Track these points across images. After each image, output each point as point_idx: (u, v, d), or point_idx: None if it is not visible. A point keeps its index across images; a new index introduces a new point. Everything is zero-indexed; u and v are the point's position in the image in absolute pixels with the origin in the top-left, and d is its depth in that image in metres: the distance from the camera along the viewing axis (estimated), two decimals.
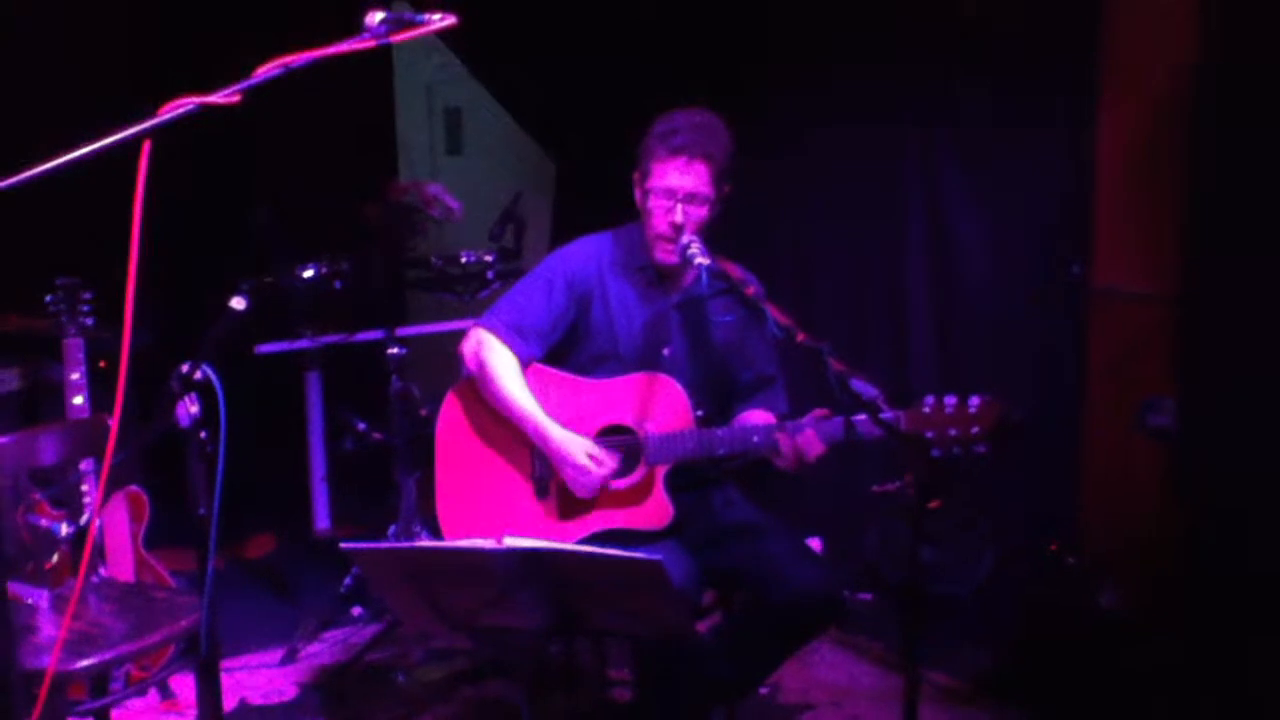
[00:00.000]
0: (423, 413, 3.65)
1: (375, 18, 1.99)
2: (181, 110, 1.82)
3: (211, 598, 2.18)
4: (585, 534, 2.67)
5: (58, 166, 1.70)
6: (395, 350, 3.73)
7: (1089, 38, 3.49)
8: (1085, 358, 3.66)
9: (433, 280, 3.94)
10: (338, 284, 3.54)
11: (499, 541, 2.11)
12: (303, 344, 4.00)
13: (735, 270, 2.66)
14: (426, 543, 2.49)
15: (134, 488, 3.26)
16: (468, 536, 2.66)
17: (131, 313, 1.78)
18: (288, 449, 4.51)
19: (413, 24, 1.98)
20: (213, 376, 2.01)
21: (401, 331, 3.83)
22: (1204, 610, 3.07)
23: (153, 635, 2.55)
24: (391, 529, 3.81)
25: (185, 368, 2.01)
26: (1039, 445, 3.56)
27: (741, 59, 4.31)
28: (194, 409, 2.00)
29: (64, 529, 2.71)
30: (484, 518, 2.71)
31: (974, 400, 2.50)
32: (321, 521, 4.46)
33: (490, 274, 3.89)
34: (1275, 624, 2.83)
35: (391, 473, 3.84)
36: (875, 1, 3.91)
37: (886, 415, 2.43)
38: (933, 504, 4.02)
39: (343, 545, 2.17)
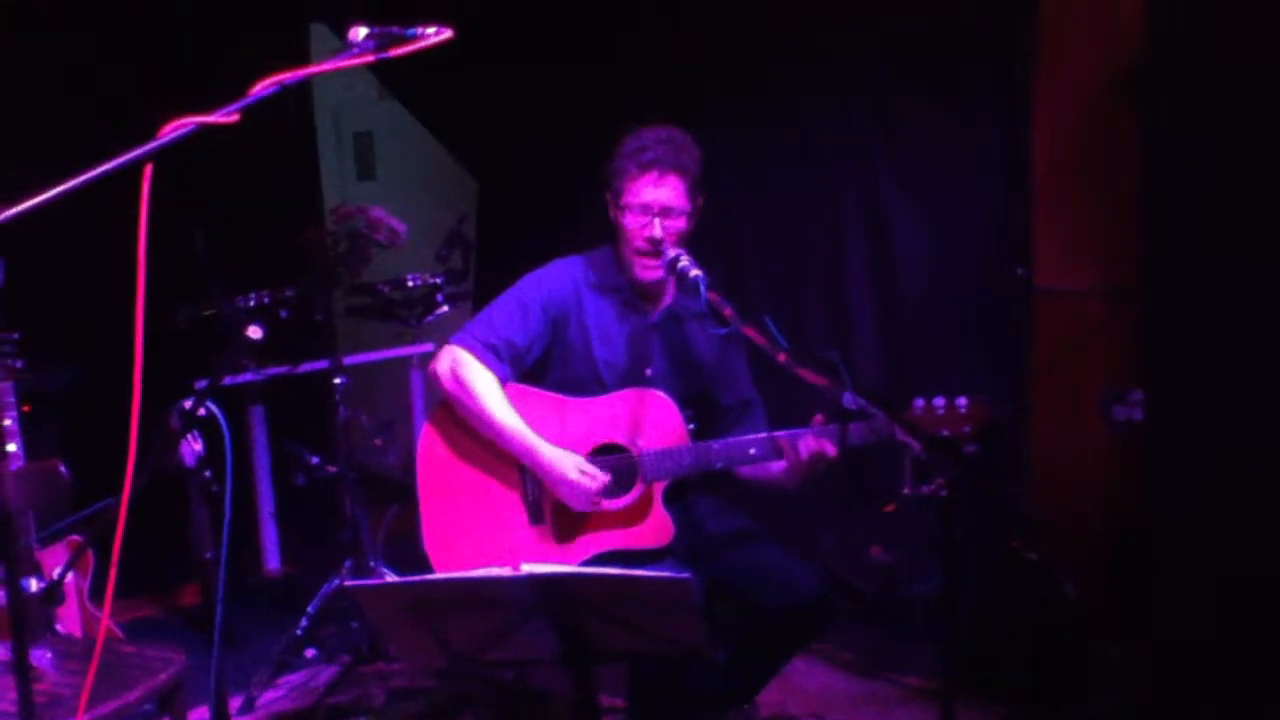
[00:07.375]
0: (376, 442, 3.53)
1: (359, 33, 1.91)
2: (182, 131, 1.74)
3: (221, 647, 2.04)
4: (586, 556, 2.61)
5: (58, 194, 1.60)
6: (341, 380, 3.60)
7: (1022, 34, 3.53)
8: (1029, 356, 3.73)
9: (376, 307, 3.81)
10: (284, 313, 3.40)
11: (515, 569, 2.04)
12: (247, 377, 3.83)
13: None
14: (441, 575, 2.38)
15: (75, 537, 3.08)
16: (460, 569, 2.57)
17: (141, 348, 1.65)
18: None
19: (405, 39, 1.90)
20: (217, 412, 1.89)
21: (348, 360, 3.69)
22: (1163, 599, 3.14)
23: (131, 693, 2.40)
24: (347, 564, 3.66)
25: (188, 403, 1.89)
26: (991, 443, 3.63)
27: (678, 67, 4.30)
28: (198, 447, 1.88)
29: (34, 585, 2.52)
30: (476, 548, 2.62)
31: (961, 400, 2.52)
32: (271, 561, 4.26)
33: (439, 297, 3.78)
34: (1245, 605, 2.90)
35: (341, 507, 3.70)
36: (810, 9, 3.94)
37: (879, 420, 2.43)
38: (888, 507, 4.09)
39: (347, 584, 2.07)
